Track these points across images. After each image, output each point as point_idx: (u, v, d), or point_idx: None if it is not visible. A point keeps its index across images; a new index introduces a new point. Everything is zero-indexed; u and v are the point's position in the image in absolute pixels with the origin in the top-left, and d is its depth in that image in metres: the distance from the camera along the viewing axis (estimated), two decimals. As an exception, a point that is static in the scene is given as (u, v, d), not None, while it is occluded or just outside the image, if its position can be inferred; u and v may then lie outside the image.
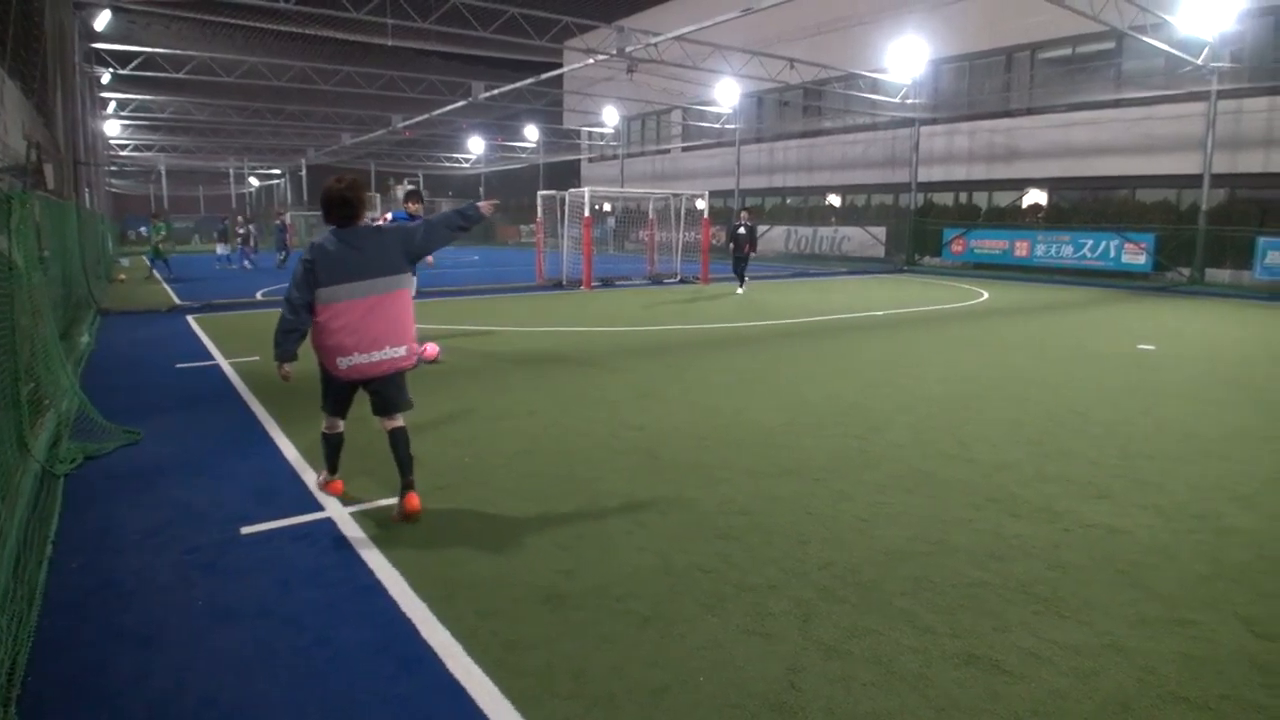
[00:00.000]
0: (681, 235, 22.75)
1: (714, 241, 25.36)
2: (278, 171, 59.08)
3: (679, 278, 21.81)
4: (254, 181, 61.00)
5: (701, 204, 22.27)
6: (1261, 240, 19.89)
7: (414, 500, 4.56)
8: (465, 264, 27.63)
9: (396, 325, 4.47)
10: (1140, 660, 3.18)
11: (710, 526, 4.50)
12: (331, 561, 4.06)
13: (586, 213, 19.78)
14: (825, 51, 27.49)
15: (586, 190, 20.41)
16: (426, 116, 33.25)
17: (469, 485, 5.18)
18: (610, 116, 36.43)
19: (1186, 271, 21.34)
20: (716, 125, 34.89)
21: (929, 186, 29.61)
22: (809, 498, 4.98)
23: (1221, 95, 21.11)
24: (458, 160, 53.85)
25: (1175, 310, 16.13)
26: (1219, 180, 21.61)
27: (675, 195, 23.17)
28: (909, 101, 27.50)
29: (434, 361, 9.00)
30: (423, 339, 7.63)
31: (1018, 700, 2.91)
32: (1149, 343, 11.56)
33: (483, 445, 6.09)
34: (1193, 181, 21.89)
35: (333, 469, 5.01)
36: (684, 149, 41.42)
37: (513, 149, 48.97)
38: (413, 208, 9.45)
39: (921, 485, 5.24)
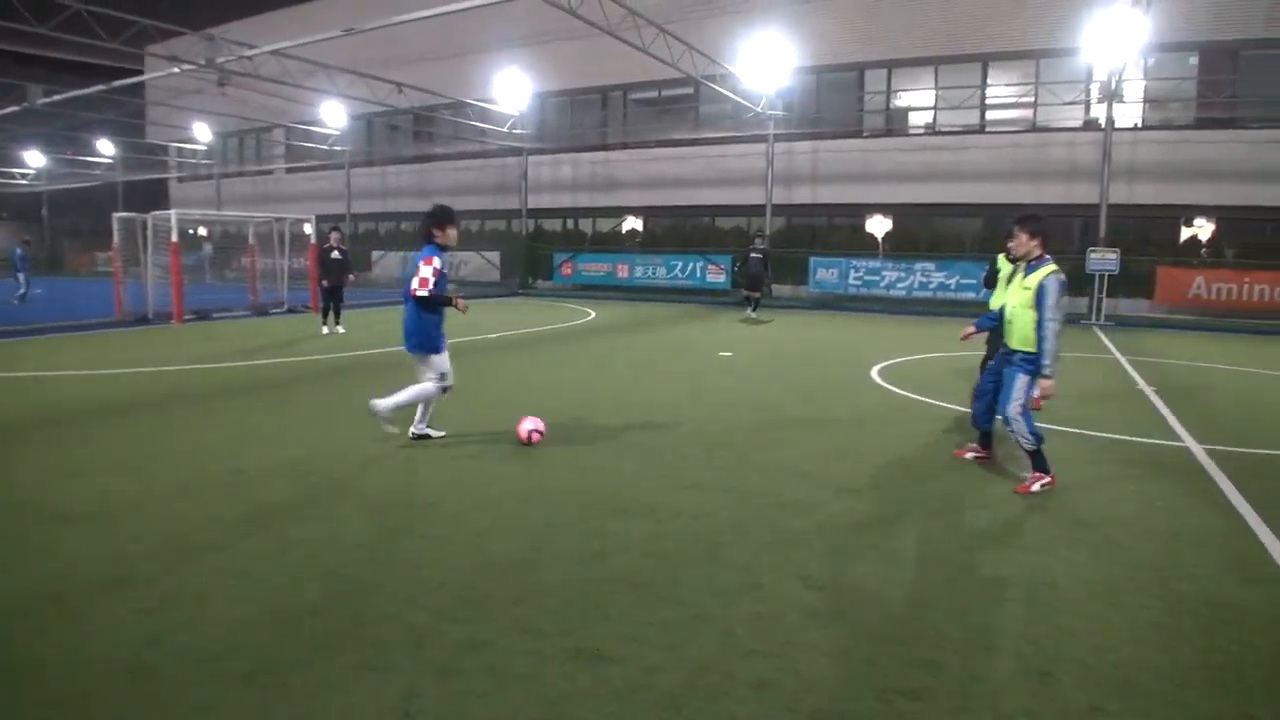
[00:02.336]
0: (288, 262, 21.39)
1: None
2: None
3: (286, 307, 20.45)
4: None
5: (308, 228, 21.07)
6: (812, 260, 23.78)
7: None
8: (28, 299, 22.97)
9: None
10: (721, 625, 3.62)
11: (319, 565, 4.26)
12: None
13: (174, 237, 17.76)
14: (435, 79, 27.60)
15: (173, 213, 18.28)
16: (-41, 123, 27.66)
17: (31, 557, 4.37)
18: (202, 132, 33.08)
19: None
20: (324, 146, 33.33)
21: (539, 213, 31.07)
22: (424, 523, 4.94)
23: (777, 138, 25.03)
24: (13, 175, 45.38)
25: (745, 322, 18.57)
26: (779, 210, 25.58)
27: (279, 219, 21.71)
28: (516, 131, 28.63)
29: None
30: None
31: (619, 681, 3.14)
32: (728, 350, 13.20)
33: (52, 507, 5.17)
34: (759, 210, 25.52)
35: None
36: (288, 170, 39.09)
37: (85, 164, 42.41)
38: (449, 237, 7.10)
39: (533, 496, 5.45)
